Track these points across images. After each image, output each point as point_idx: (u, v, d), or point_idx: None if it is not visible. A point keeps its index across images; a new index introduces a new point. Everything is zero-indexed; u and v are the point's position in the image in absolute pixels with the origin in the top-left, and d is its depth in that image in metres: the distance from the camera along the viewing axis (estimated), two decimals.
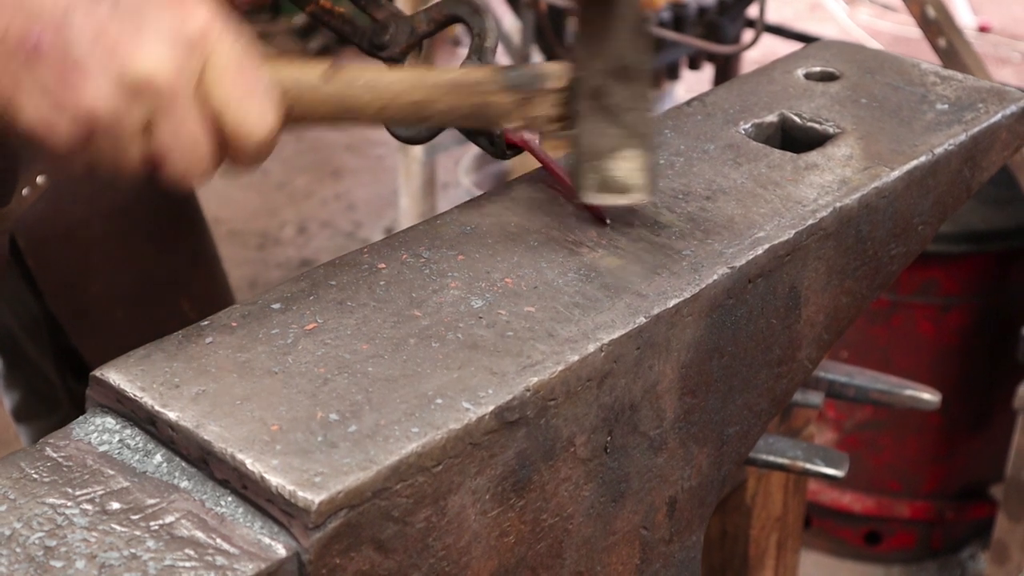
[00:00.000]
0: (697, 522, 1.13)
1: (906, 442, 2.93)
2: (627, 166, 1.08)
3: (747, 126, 1.27)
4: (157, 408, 0.89)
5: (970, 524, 3.06)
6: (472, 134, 1.16)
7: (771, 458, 1.41)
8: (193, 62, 0.92)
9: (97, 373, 0.93)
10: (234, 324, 0.97)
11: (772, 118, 1.29)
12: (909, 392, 1.58)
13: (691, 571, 1.15)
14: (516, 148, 1.15)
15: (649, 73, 1.08)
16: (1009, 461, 2.59)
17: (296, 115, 1.00)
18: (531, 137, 1.14)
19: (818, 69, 1.38)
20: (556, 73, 1.07)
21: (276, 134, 0.98)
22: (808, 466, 1.42)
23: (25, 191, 1.42)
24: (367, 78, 1.02)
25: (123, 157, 0.94)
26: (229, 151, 0.97)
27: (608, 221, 1.10)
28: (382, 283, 1.02)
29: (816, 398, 1.53)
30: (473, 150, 3.68)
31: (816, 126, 1.27)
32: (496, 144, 1.14)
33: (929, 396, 1.58)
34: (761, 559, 1.66)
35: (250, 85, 0.95)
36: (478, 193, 3.48)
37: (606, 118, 1.07)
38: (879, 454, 2.94)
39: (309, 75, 1.00)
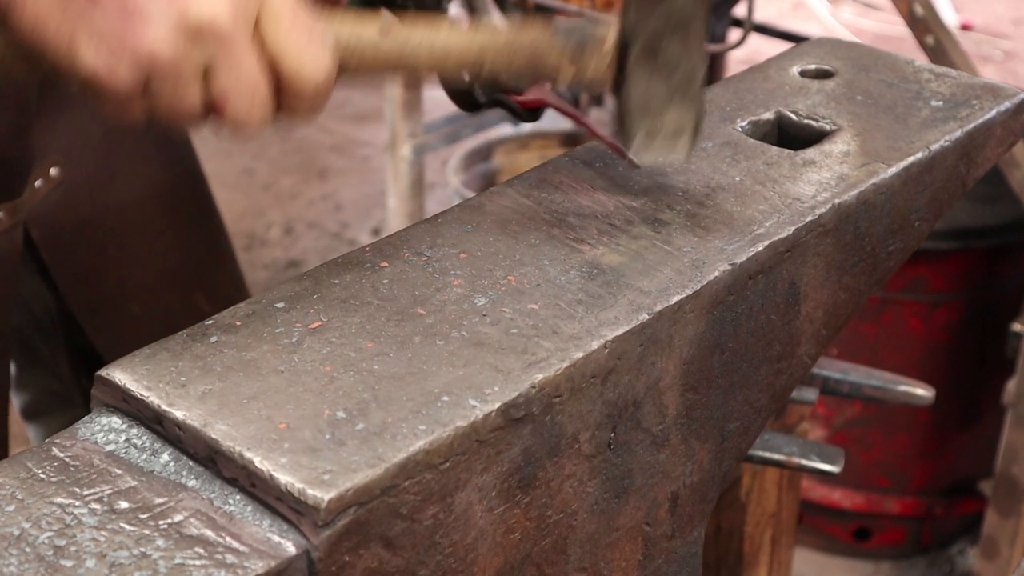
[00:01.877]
0: (698, 518, 1.14)
1: (895, 438, 2.94)
2: (676, 121, 1.08)
3: (744, 124, 1.28)
4: (164, 407, 0.89)
5: (959, 520, 3.07)
6: (492, 102, 1.16)
7: (767, 454, 1.42)
8: (250, 7, 0.94)
9: (103, 373, 0.93)
10: (238, 323, 0.98)
11: (768, 115, 1.30)
12: (903, 388, 1.58)
13: (692, 566, 1.16)
14: (535, 110, 1.15)
15: (705, 26, 1.07)
16: (998, 457, 2.60)
17: (351, 69, 1.01)
18: (547, 95, 1.14)
19: (813, 66, 1.39)
20: (608, 31, 1.06)
21: (332, 82, 0.98)
22: (804, 462, 1.43)
23: (39, 183, 1.42)
24: (422, 36, 1.02)
25: (182, 102, 0.95)
26: (286, 98, 0.98)
27: (639, 164, 1.11)
28: (385, 281, 1.03)
29: (811, 394, 1.53)
30: (461, 150, 3.68)
31: (812, 123, 1.28)
32: (518, 112, 1.14)
33: (923, 392, 1.59)
34: (756, 555, 1.67)
35: (306, 31, 0.96)
36: (466, 193, 3.47)
37: (658, 73, 1.07)
38: (868, 451, 2.95)
39: (366, 31, 1.01)
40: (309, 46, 0.96)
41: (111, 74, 0.92)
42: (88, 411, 0.94)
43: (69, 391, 1.65)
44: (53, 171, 1.42)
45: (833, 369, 1.56)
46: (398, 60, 1.02)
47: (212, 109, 0.96)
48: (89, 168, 1.47)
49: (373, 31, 1.01)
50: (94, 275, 1.54)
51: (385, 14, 1.04)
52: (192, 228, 1.66)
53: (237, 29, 0.93)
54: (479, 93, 1.16)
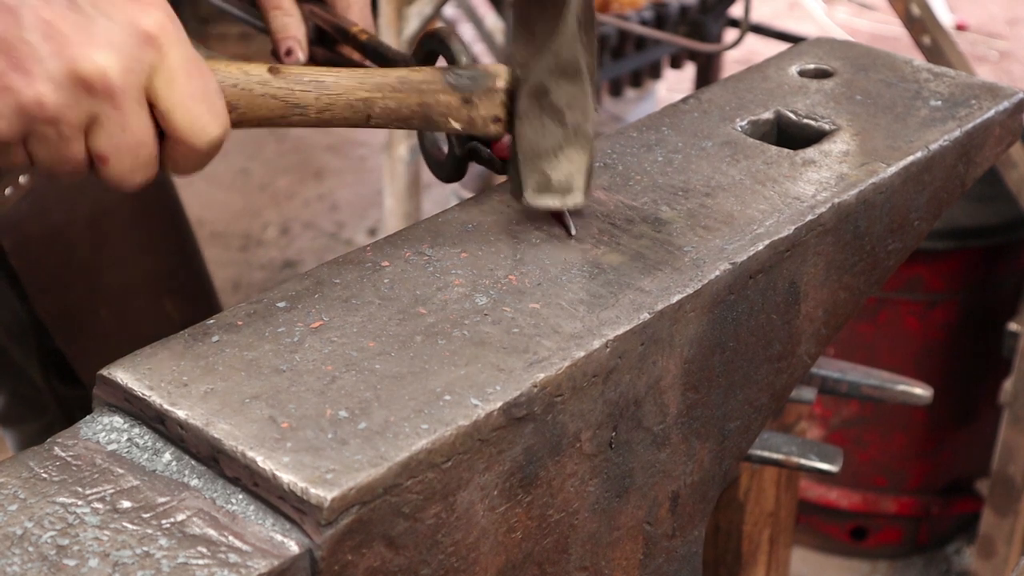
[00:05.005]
0: (699, 517, 1.14)
1: (892, 438, 2.94)
2: (568, 167, 1.07)
3: (743, 123, 1.28)
4: (166, 407, 0.89)
5: (956, 519, 3.08)
6: (468, 156, 1.15)
7: (765, 454, 1.42)
8: (144, 61, 0.92)
9: (104, 372, 0.93)
10: (240, 323, 0.98)
11: (768, 115, 1.30)
12: (901, 387, 1.58)
13: (693, 565, 1.16)
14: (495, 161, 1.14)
15: (593, 71, 1.06)
16: (995, 456, 2.61)
17: (239, 113, 0.99)
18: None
19: (812, 66, 1.39)
20: (500, 72, 1.06)
21: (225, 137, 0.97)
22: (803, 461, 1.43)
23: (8, 191, 1.42)
24: (312, 76, 1.01)
25: (64, 154, 0.93)
26: (175, 153, 0.96)
27: (574, 232, 1.09)
28: (386, 281, 1.03)
29: (809, 394, 1.54)
30: None
31: (811, 123, 1.28)
32: (493, 163, 1.13)
33: (921, 391, 1.59)
34: (754, 554, 1.67)
35: (202, 86, 0.94)
36: (463, 193, 3.46)
37: (548, 117, 1.06)
38: (865, 450, 2.95)
39: (254, 73, 1.00)
40: (203, 103, 0.94)
41: None
42: (61, 417, 0.94)
43: (43, 397, 1.65)
44: (23, 179, 1.42)
45: (831, 368, 1.56)
46: (287, 101, 1.00)
47: (94, 164, 0.95)
48: (13, 169, 1.47)
49: (262, 71, 1.00)
50: (63, 282, 1.54)
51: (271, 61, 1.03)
52: (160, 235, 1.66)
53: (128, 85, 0.91)
54: (455, 147, 1.15)
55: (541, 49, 1.05)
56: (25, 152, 0.94)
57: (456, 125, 1.06)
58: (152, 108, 0.93)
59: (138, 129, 0.93)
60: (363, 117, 1.04)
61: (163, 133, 0.95)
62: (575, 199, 1.08)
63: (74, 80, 0.89)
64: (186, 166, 0.98)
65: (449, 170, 1.17)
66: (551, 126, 1.06)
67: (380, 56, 1.16)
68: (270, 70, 1.00)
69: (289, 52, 1.16)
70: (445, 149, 1.17)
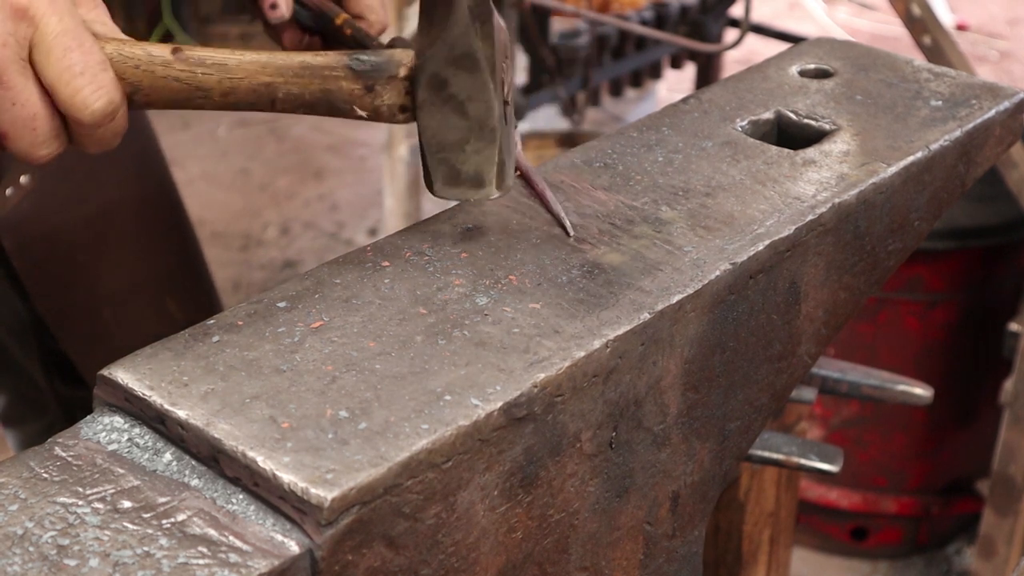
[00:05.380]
0: (699, 517, 1.14)
1: (892, 438, 2.94)
2: (476, 159, 1.05)
3: (743, 123, 1.28)
4: (166, 407, 0.89)
5: (956, 519, 3.08)
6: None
7: (766, 454, 1.42)
8: (20, 35, 0.92)
9: (105, 372, 0.93)
10: (240, 323, 0.98)
11: (768, 115, 1.30)
12: (902, 387, 1.58)
13: (693, 565, 1.16)
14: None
15: (490, 62, 1.04)
16: (995, 456, 2.61)
17: (142, 94, 0.99)
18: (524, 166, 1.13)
19: (812, 66, 1.39)
20: (403, 60, 1.04)
21: (118, 110, 0.97)
22: (803, 461, 1.43)
23: (9, 191, 1.42)
24: (215, 59, 1.01)
25: None
26: (71, 127, 0.96)
27: (572, 234, 1.09)
28: (387, 281, 1.03)
29: (809, 394, 1.54)
30: None
31: (812, 123, 1.28)
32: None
33: (921, 391, 1.59)
34: (754, 555, 1.67)
35: (82, 59, 0.94)
36: None
37: (450, 109, 1.04)
38: (865, 450, 2.95)
39: (156, 53, 0.99)
40: (83, 75, 0.94)
41: None
42: (63, 416, 0.94)
43: (44, 397, 1.65)
44: (24, 179, 1.42)
45: (832, 368, 1.56)
46: (190, 83, 1.00)
47: None
48: (59, 176, 1.47)
49: (165, 52, 1.00)
50: (65, 283, 1.54)
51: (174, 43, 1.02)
52: (162, 235, 1.66)
53: (5, 59, 0.91)
54: None
55: (435, 40, 1.03)
56: None
57: (361, 113, 1.04)
58: (40, 85, 0.94)
59: (28, 103, 0.93)
60: (267, 102, 1.03)
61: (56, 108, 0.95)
62: (487, 192, 1.06)
63: None
64: (85, 142, 0.98)
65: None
66: (453, 118, 1.04)
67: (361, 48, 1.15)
68: (173, 51, 1.00)
69: (274, 6, 1.16)
70: None
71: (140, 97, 1.00)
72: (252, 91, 1.02)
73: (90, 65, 0.95)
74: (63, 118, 0.96)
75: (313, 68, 1.03)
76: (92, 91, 0.95)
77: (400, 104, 1.04)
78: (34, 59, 0.93)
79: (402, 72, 1.03)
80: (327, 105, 1.04)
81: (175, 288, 1.66)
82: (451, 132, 1.05)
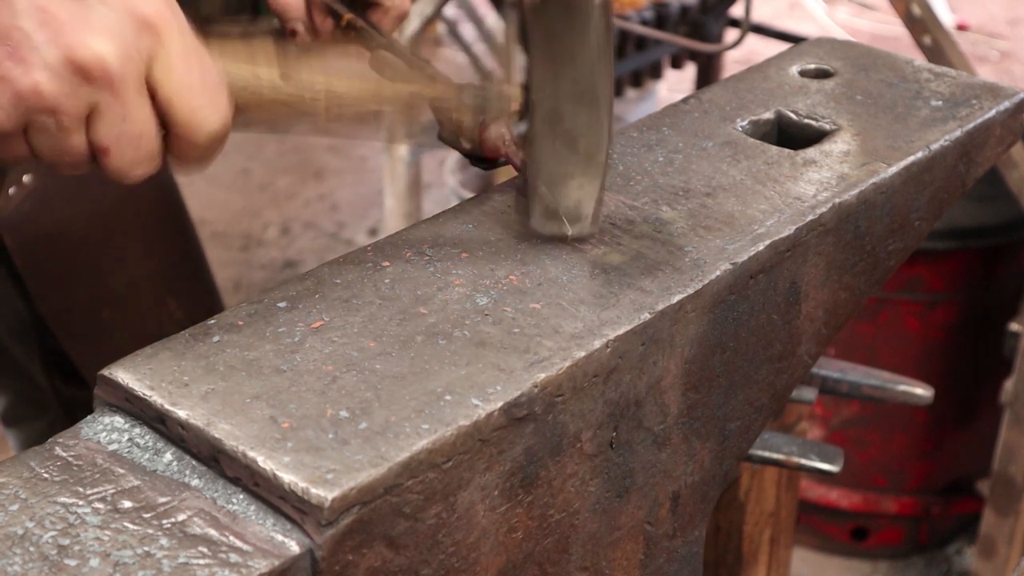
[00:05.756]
0: (699, 517, 1.14)
1: (892, 438, 2.94)
2: (577, 194, 1.06)
3: (744, 123, 1.28)
4: (167, 407, 0.89)
5: (957, 519, 3.07)
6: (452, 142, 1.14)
7: (766, 454, 1.42)
8: (143, 49, 0.90)
9: (105, 372, 0.93)
10: (240, 323, 0.98)
11: (768, 115, 1.30)
12: (902, 387, 1.59)
13: (693, 565, 1.16)
14: (492, 161, 1.12)
15: (608, 100, 1.04)
16: (995, 456, 2.61)
17: (248, 114, 0.98)
18: (507, 150, 1.12)
19: (812, 66, 1.39)
20: (515, 94, 1.04)
21: (227, 131, 0.95)
22: (803, 461, 1.43)
23: (12, 190, 1.42)
24: (324, 84, 1.00)
25: (65, 145, 0.92)
26: (177, 145, 0.95)
27: (571, 233, 1.08)
28: (387, 281, 1.03)
29: (809, 394, 1.54)
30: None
31: (812, 123, 1.28)
32: (475, 154, 1.12)
33: (922, 391, 1.59)
34: (755, 555, 1.67)
35: (202, 76, 0.93)
36: (463, 193, 3.47)
37: (561, 143, 1.04)
38: (865, 450, 2.95)
39: (266, 72, 0.98)
40: (203, 94, 0.93)
41: None
42: (64, 416, 0.94)
43: (45, 397, 1.65)
44: (26, 178, 1.42)
45: (832, 368, 1.56)
46: (297, 106, 0.99)
47: (95, 156, 0.93)
48: (62, 176, 1.47)
49: (274, 74, 0.98)
50: (67, 282, 1.54)
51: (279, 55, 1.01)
52: (164, 235, 1.66)
53: (126, 73, 0.89)
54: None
55: (559, 74, 1.02)
56: (26, 144, 0.92)
57: (466, 145, 1.05)
58: (153, 98, 0.92)
59: (139, 119, 0.91)
60: (371, 129, 1.03)
61: (166, 126, 0.94)
62: (583, 228, 1.07)
63: (71, 68, 0.88)
64: (188, 159, 0.96)
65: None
66: (563, 152, 1.04)
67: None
68: (282, 76, 0.98)
69: (294, 32, 1.15)
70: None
71: (244, 119, 0.98)
72: (359, 118, 1.01)
73: (209, 84, 0.93)
74: (166, 134, 0.94)
75: (424, 98, 1.03)
76: (211, 111, 0.93)
77: (507, 136, 1.05)
78: (153, 74, 0.91)
79: (513, 105, 1.04)
80: (433, 134, 1.05)
81: (176, 288, 1.67)
82: (559, 166, 1.05)
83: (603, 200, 1.08)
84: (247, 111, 0.98)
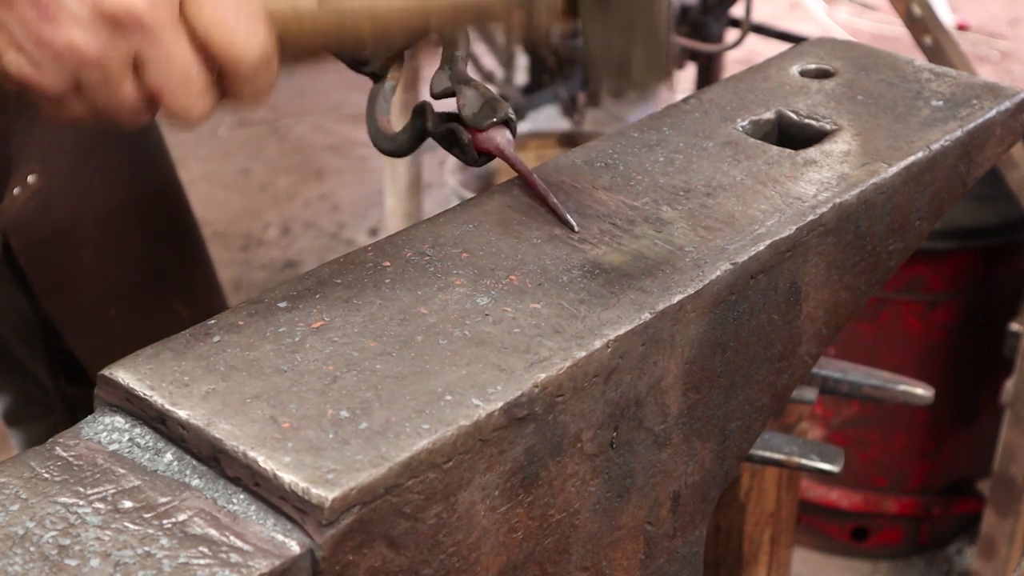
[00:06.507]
0: (700, 517, 1.14)
1: (893, 438, 2.94)
2: (639, 59, 1.05)
3: (744, 123, 1.28)
4: (167, 407, 0.89)
5: (957, 519, 3.08)
6: (444, 143, 1.13)
7: (766, 454, 1.42)
8: None
9: (106, 372, 0.93)
10: (241, 323, 0.98)
11: (769, 115, 1.30)
12: (903, 387, 1.58)
13: (694, 566, 1.16)
14: (487, 155, 1.13)
15: None
16: (996, 456, 2.61)
17: (291, 43, 0.97)
18: (502, 144, 1.12)
19: (813, 66, 1.39)
20: None
21: (272, 58, 0.95)
22: (804, 461, 1.43)
23: (16, 190, 1.42)
24: (363, 5, 0.98)
25: (117, 98, 0.92)
26: (227, 81, 0.94)
27: (576, 228, 1.09)
28: (387, 281, 1.03)
29: (810, 394, 1.54)
30: None
31: (813, 123, 1.28)
32: (467, 152, 1.12)
33: (922, 391, 1.59)
34: (755, 555, 1.67)
35: (233, 7, 0.92)
36: (464, 193, 3.47)
37: (612, 15, 1.03)
38: (866, 450, 2.95)
39: (303, 6, 0.97)
40: (239, 22, 0.92)
41: (39, 75, 0.89)
42: (68, 416, 0.94)
43: (49, 397, 1.65)
44: (31, 178, 1.42)
45: (832, 369, 1.56)
46: (339, 29, 0.97)
47: (150, 102, 0.93)
48: (66, 175, 1.47)
49: (311, 3, 0.97)
50: (71, 282, 1.54)
51: None
52: (168, 234, 1.66)
53: (158, 14, 0.89)
54: (431, 122, 1.12)
55: None
56: (82, 104, 0.92)
57: (515, 31, 1.03)
58: (192, 36, 0.91)
59: (181, 57, 0.91)
60: (420, 34, 1.01)
61: (211, 62, 0.93)
62: (654, 87, 1.06)
63: (102, 19, 0.88)
64: (242, 95, 0.95)
65: (401, 144, 1.13)
66: (618, 30, 1.03)
67: None
68: (320, 3, 0.97)
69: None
70: (391, 120, 1.14)
71: (286, 44, 0.96)
72: (403, 30, 1.00)
73: (244, 13, 0.92)
74: (214, 70, 0.93)
75: (470, 7, 1.01)
76: (250, 39, 0.92)
77: (553, 21, 1.03)
78: (186, 11, 0.91)
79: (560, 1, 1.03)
80: (479, 28, 1.03)
81: (181, 287, 1.67)
82: (614, 37, 1.04)
83: (666, 58, 1.07)
84: (289, 43, 0.97)
